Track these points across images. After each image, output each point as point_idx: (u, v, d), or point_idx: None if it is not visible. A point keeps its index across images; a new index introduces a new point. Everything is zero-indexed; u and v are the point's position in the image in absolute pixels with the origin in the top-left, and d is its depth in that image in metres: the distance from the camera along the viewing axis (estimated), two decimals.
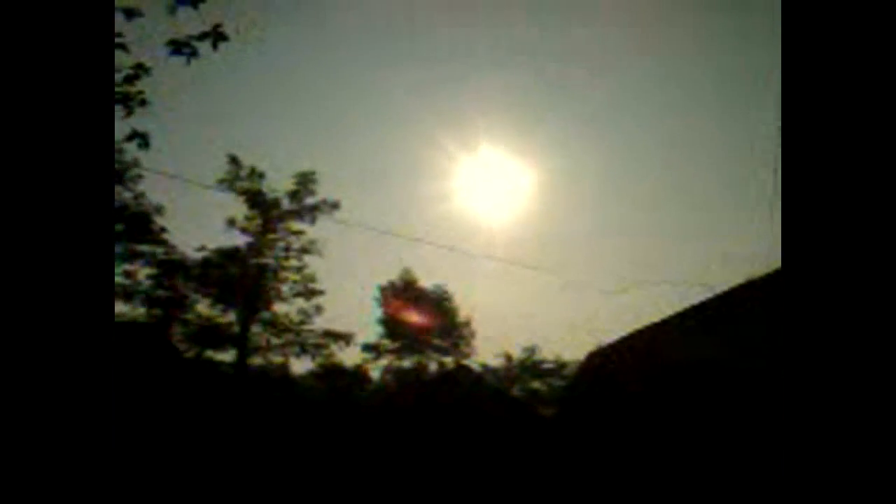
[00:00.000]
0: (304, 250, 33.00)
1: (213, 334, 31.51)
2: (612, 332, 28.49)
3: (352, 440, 23.46)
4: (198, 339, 31.33)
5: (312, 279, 33.20)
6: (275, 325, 32.88)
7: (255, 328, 32.56)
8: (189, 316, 31.67)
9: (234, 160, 32.14)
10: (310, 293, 33.11)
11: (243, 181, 32.20)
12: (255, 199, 32.21)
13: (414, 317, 41.26)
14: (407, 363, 43.28)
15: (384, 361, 43.10)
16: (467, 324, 44.63)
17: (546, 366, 51.09)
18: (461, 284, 71.13)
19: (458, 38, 79.04)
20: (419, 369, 42.78)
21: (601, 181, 76.18)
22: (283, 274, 33.13)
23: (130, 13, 5.09)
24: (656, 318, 13.94)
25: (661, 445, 12.65)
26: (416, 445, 22.06)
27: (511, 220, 61.49)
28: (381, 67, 74.69)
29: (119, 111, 5.37)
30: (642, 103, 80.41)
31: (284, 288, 33.13)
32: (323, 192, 32.88)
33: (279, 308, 33.06)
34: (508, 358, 51.14)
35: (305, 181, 32.57)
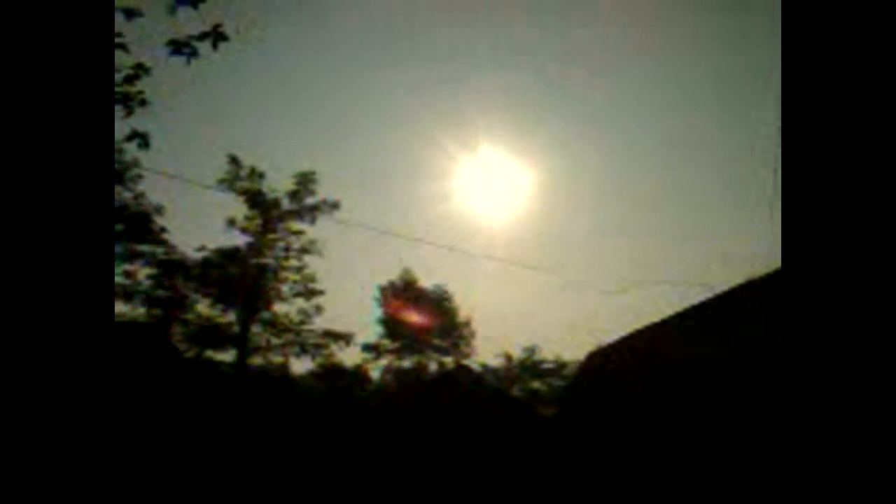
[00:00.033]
0: (304, 250, 33.02)
1: (213, 334, 31.51)
2: (612, 332, 28.51)
3: (352, 440, 23.45)
4: (198, 339, 31.33)
5: (312, 279, 33.22)
6: (275, 325, 32.88)
7: (255, 328, 32.57)
8: (189, 316, 31.67)
9: (234, 160, 32.16)
10: (310, 293, 33.12)
11: (243, 181, 32.21)
12: (255, 199, 32.22)
13: (414, 317, 41.26)
14: (407, 363, 43.29)
15: (384, 361, 43.13)
16: (467, 324, 44.64)
17: (546, 366, 51.08)
18: (461, 284, 71.17)
19: (458, 38, 79.10)
20: (419, 369, 42.77)
21: (601, 181, 76.21)
22: (283, 274, 33.15)
23: (130, 13, 5.09)
24: (656, 319, 13.94)
25: (661, 446, 12.65)
26: (417, 445, 22.05)
27: (511, 220, 61.54)
28: (381, 67, 74.75)
29: (119, 111, 5.37)
30: (642, 103, 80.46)
31: (284, 288, 33.16)
32: (323, 192, 32.94)
33: (279, 308, 33.11)
34: (508, 358, 51.15)
35: (305, 181, 32.58)
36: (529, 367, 51.41)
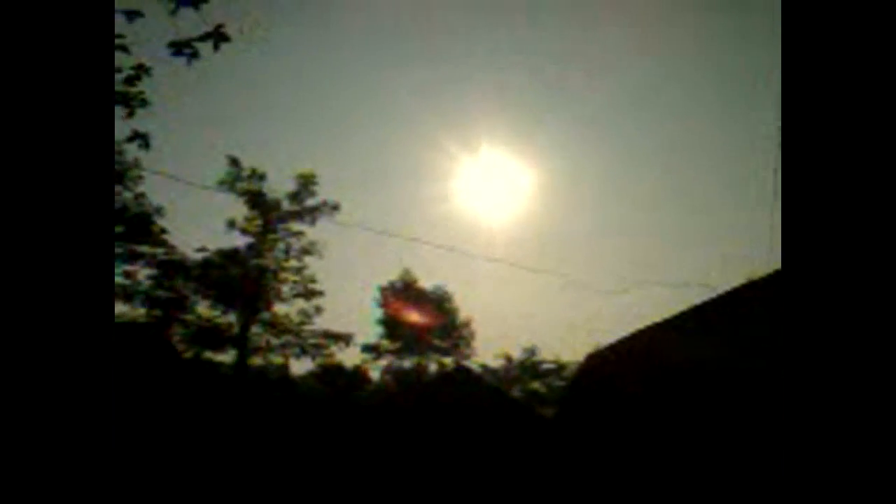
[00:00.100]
0: (305, 251, 33.07)
1: (212, 335, 31.53)
2: (612, 332, 28.50)
3: (352, 441, 23.44)
4: (198, 339, 31.34)
5: (312, 280, 33.27)
6: (275, 325, 32.91)
7: (255, 329, 32.60)
8: (189, 317, 31.69)
9: (234, 161, 32.21)
10: (310, 294, 33.16)
11: (244, 182, 32.26)
12: (256, 201, 32.26)
13: (414, 317, 41.28)
14: (407, 364, 43.32)
15: (384, 362, 43.18)
16: (467, 324, 44.67)
17: (546, 367, 51.07)
18: (461, 285, 71.30)
19: (458, 39, 79.20)
20: (419, 370, 42.79)
21: (601, 182, 76.28)
22: (283, 275, 33.18)
23: (131, 14, 5.08)
24: (656, 319, 13.94)
25: (660, 447, 12.64)
26: (416, 446, 22.04)
27: (511, 220, 61.62)
28: (381, 69, 74.83)
29: (120, 112, 5.38)
30: (642, 104, 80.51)
31: (284, 289, 33.20)
32: (323, 193, 33.05)
33: (279, 309, 33.16)
34: (508, 359, 51.16)
35: (306, 182, 32.64)
36: (529, 367, 51.40)
